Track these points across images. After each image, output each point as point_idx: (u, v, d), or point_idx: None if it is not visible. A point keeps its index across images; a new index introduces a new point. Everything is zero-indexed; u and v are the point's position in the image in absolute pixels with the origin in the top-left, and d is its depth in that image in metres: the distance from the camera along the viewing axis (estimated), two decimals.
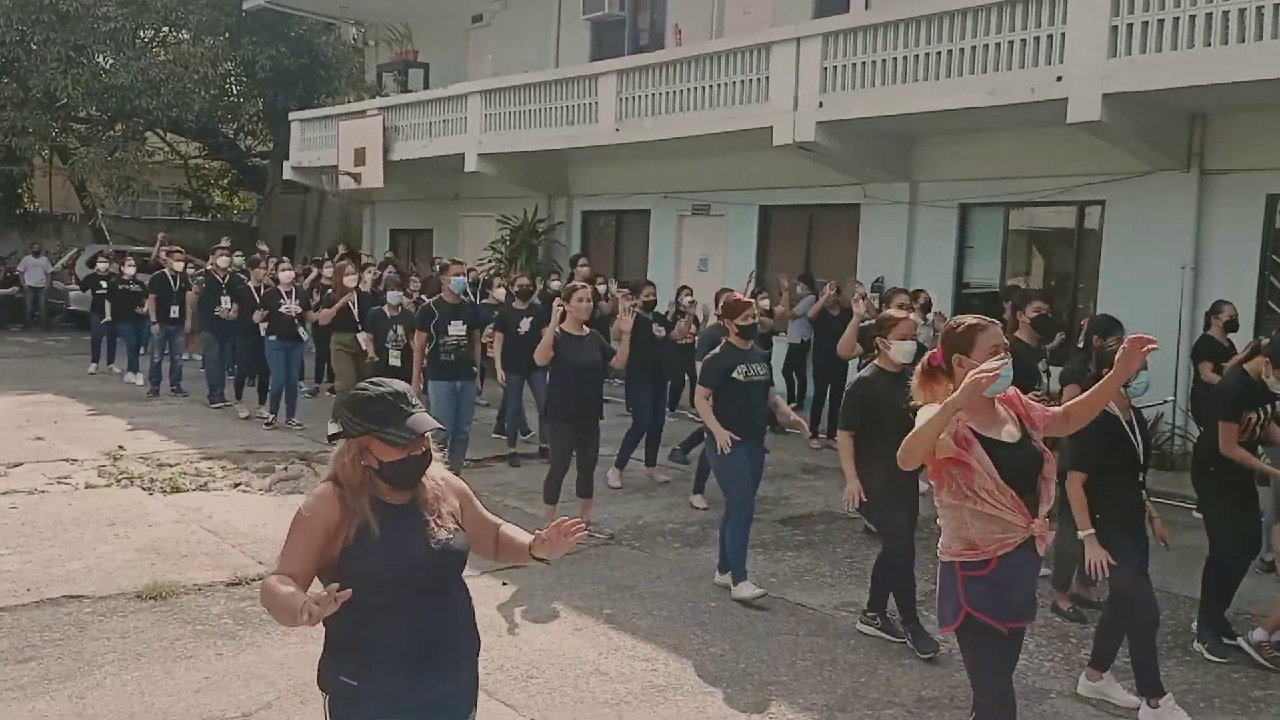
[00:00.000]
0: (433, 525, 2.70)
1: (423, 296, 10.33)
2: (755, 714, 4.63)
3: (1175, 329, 9.95)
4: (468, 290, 9.58)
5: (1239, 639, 5.35)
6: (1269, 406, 5.34)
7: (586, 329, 7.19)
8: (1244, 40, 8.56)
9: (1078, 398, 3.60)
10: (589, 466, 7.25)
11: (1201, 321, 8.96)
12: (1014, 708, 3.47)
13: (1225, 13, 8.64)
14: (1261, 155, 9.86)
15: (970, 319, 3.50)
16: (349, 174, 18.31)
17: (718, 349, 6.21)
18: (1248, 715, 4.76)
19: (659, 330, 9.66)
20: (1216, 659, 5.29)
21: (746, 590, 6.03)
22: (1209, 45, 8.76)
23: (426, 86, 19.49)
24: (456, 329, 8.44)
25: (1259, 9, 8.40)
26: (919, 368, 3.58)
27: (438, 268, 10.82)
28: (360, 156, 18.16)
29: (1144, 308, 9.98)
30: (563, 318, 6.98)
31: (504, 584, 6.22)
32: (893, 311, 5.65)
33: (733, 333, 6.17)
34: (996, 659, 3.42)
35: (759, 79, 12.35)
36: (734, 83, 12.64)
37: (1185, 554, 6.16)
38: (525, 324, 9.44)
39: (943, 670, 5.11)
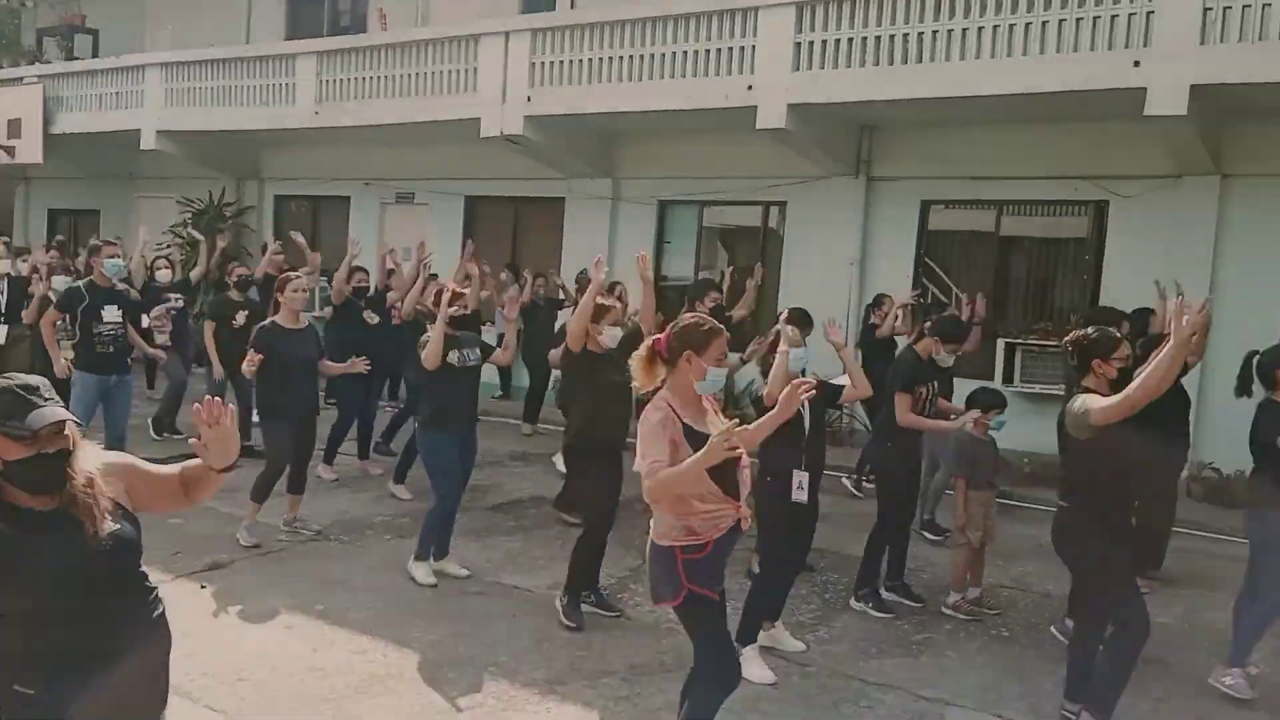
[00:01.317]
0: (91, 526, 2.47)
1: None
2: (477, 694, 4.69)
3: (845, 318, 10.99)
4: (129, 275, 8.67)
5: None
6: (935, 382, 6.06)
7: (303, 321, 6.90)
8: (907, 62, 9.62)
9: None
10: (303, 464, 6.99)
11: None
12: (738, 659, 3.91)
13: (892, 36, 9.67)
14: (918, 165, 11.11)
15: (712, 323, 3.73)
16: (1, 147, 16.40)
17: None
18: (911, 656, 5.41)
19: (371, 317, 9.36)
20: (881, 614, 5.90)
21: (420, 571, 6.15)
22: (878, 65, 9.77)
23: (95, 54, 17.80)
24: (112, 315, 7.52)
25: (920, 35, 9.48)
26: (641, 353, 3.73)
27: (89, 249, 9.72)
28: (15, 128, 16.32)
29: (819, 299, 10.92)
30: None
31: (203, 586, 5.89)
32: (603, 300, 5.88)
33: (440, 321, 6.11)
34: (717, 621, 3.71)
35: (467, 70, 12.35)
36: (442, 72, 12.56)
37: (861, 520, 6.85)
38: (241, 317, 8.91)
39: (650, 639, 5.40)
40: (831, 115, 10.71)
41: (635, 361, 3.72)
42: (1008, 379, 10.16)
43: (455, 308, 6.13)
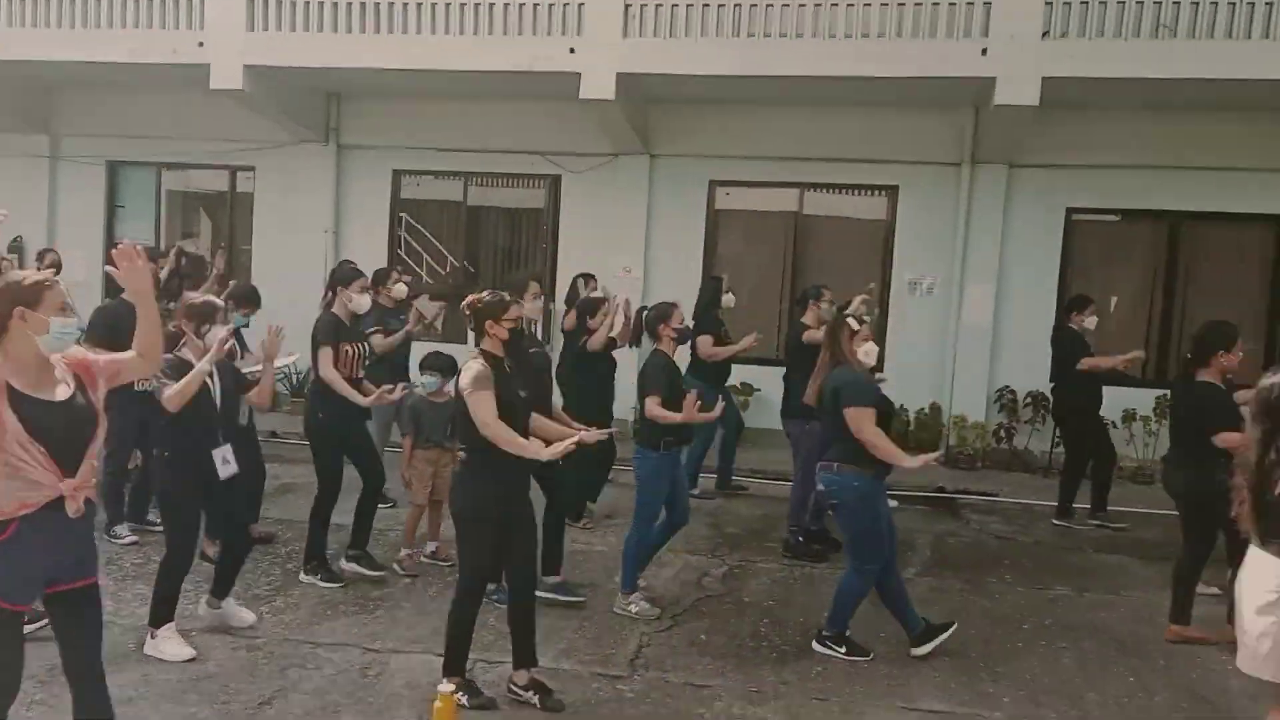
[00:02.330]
0: None
1: None
2: None
3: (320, 287, 10.87)
4: None
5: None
6: (365, 344, 6.15)
7: None
8: (365, 31, 9.68)
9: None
10: None
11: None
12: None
13: (350, 5, 9.66)
14: (389, 134, 11.26)
15: (38, 277, 3.30)
16: None
17: None
18: (366, 614, 5.59)
19: None
20: (329, 584, 5.93)
21: None
22: (337, 31, 9.71)
23: None
24: None
25: (377, 5, 9.57)
26: None
27: None
28: None
29: (295, 267, 10.77)
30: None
31: None
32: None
33: None
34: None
35: None
36: None
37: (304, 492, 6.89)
38: None
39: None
40: (294, 79, 10.47)
41: None
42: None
43: None
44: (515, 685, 4.62)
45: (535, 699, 4.55)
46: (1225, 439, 5.01)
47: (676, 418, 5.46)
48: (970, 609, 6.09)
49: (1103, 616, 6.06)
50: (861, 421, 5.05)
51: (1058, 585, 6.63)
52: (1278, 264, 10.07)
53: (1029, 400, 10.18)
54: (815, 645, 5.32)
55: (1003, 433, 10.24)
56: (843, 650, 5.25)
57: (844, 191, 10.82)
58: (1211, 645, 5.32)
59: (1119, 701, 4.84)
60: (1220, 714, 4.66)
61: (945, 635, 5.30)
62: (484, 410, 4.29)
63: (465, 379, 4.40)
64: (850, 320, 5.47)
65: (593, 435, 4.56)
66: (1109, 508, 8.22)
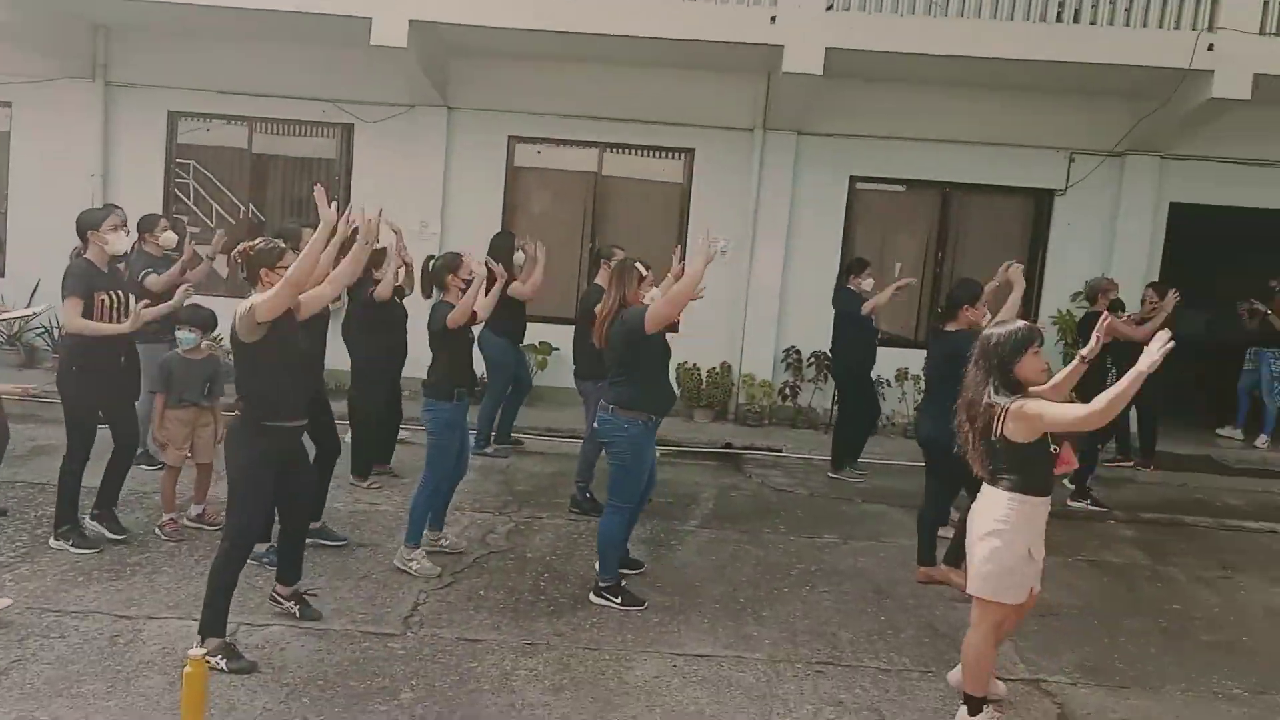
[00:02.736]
0: None
1: None
2: None
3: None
4: None
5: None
6: (120, 291, 5.73)
7: None
8: None
9: None
10: None
11: None
12: None
13: None
14: (164, 73, 10.54)
15: None
16: None
17: None
18: (122, 580, 5.29)
19: None
20: (83, 550, 5.58)
21: None
22: None
23: None
24: None
25: None
26: None
27: None
28: None
29: (56, 213, 9.93)
30: None
31: None
32: None
33: None
34: None
35: None
36: None
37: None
38: None
39: None
40: (56, 7, 9.64)
41: None
42: None
43: None
44: (279, 594, 4.92)
45: (295, 609, 4.90)
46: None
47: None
48: (744, 558, 6.36)
49: (864, 562, 6.44)
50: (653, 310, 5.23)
51: (826, 534, 7.00)
52: (1036, 232, 10.85)
53: (813, 360, 10.63)
54: (592, 597, 5.43)
55: (788, 391, 10.67)
56: (618, 601, 5.38)
57: (642, 153, 10.92)
58: (954, 585, 5.75)
59: (869, 639, 5.17)
60: (955, 645, 5.05)
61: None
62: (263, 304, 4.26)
63: (243, 305, 4.35)
64: (639, 265, 5.59)
65: None
66: (861, 459, 8.77)
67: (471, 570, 5.82)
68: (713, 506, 7.56)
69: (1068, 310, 10.45)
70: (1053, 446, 4.11)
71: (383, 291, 6.98)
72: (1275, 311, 10.42)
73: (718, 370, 10.70)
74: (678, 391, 10.47)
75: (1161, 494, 8.90)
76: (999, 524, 4.03)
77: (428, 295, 6.10)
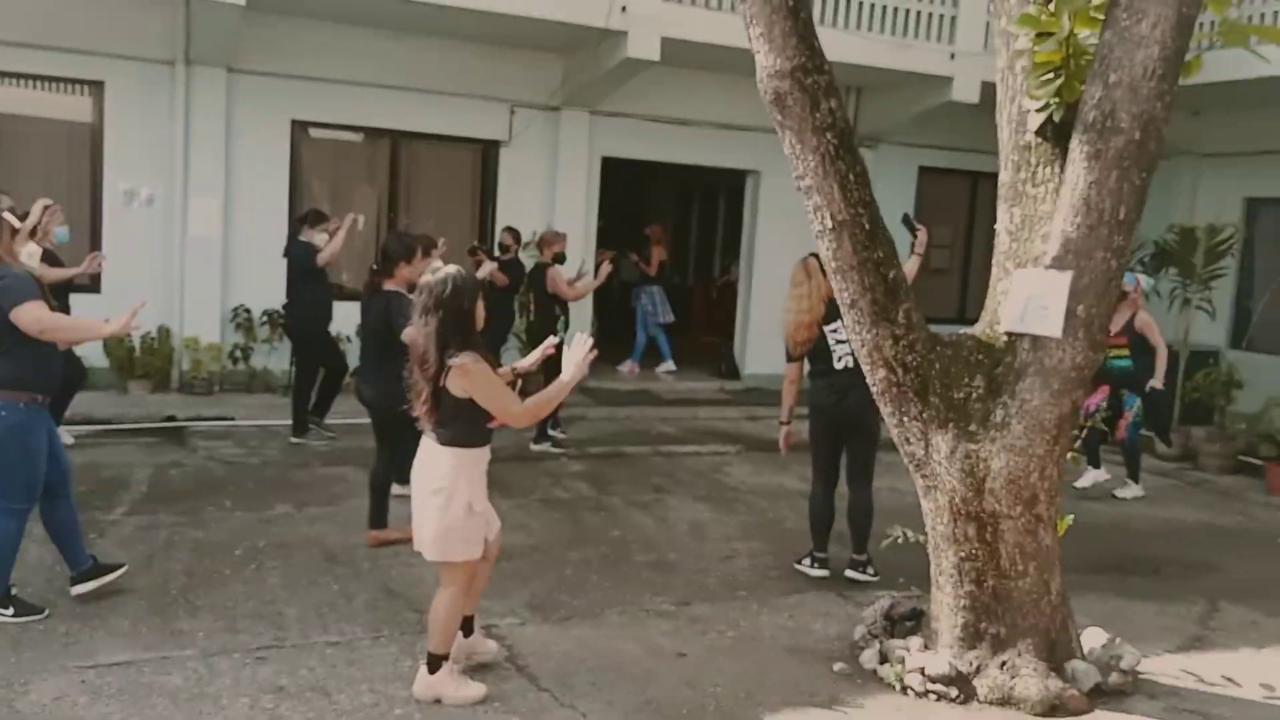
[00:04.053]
0: None
1: None
2: None
3: None
4: None
5: None
6: None
7: None
8: None
9: None
10: None
11: None
12: None
13: None
14: None
15: None
16: None
17: None
18: None
19: None
20: None
21: None
22: None
23: None
24: None
25: None
26: None
27: None
28: None
29: None
30: None
31: None
32: None
33: None
34: None
35: None
36: None
37: None
38: None
39: None
40: None
41: None
42: None
43: None
44: None
45: None
46: (406, 334, 5.24)
47: None
48: (180, 542, 5.68)
49: (319, 530, 6.07)
50: (37, 313, 4.34)
51: (279, 504, 6.52)
52: (485, 183, 11.05)
53: (265, 318, 9.90)
54: None
55: (239, 353, 9.85)
56: (10, 612, 4.49)
57: (38, 85, 9.28)
58: (408, 542, 5.61)
59: (319, 611, 4.83)
60: (412, 604, 4.91)
61: (113, 576, 4.83)
62: None
63: None
64: (7, 216, 4.68)
65: None
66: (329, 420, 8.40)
67: None
68: (146, 489, 6.69)
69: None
70: None
71: None
72: (644, 259, 12.14)
73: (154, 336, 9.54)
74: (105, 363, 9.23)
75: (608, 428, 9.61)
76: (440, 481, 3.92)
77: None
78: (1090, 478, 8.10)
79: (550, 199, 11.05)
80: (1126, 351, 7.87)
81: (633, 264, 12.47)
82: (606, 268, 9.04)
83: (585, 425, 9.57)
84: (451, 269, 4.04)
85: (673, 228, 15.26)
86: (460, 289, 3.92)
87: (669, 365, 12.35)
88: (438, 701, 4.00)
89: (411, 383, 3.99)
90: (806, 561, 5.79)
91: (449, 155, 10.97)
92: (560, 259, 8.79)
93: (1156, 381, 7.89)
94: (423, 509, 3.97)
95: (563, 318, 8.62)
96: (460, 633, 4.21)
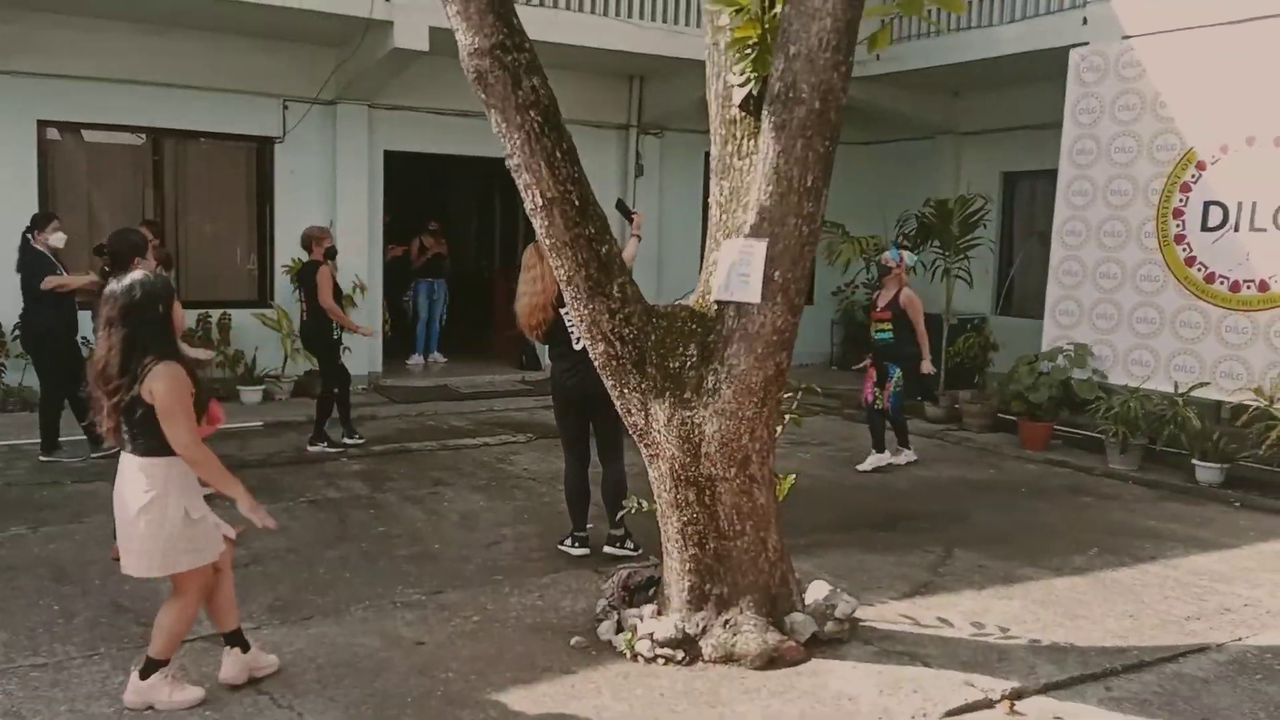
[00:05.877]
0: None
1: None
2: None
3: None
4: None
5: None
6: None
7: None
8: None
9: None
10: None
11: None
12: None
13: None
14: None
15: None
16: None
17: None
18: None
19: None
20: None
21: None
22: None
23: None
24: None
25: None
26: None
27: None
28: None
29: None
30: None
31: None
32: None
33: None
34: None
35: None
36: None
37: None
38: None
39: None
40: None
41: None
42: None
43: None
44: None
45: None
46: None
47: None
48: None
49: (53, 549, 5.72)
50: None
51: (14, 527, 6.10)
52: (261, 180, 10.65)
53: (16, 333, 9.24)
54: None
55: None
56: None
57: None
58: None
59: (31, 634, 4.54)
60: (141, 618, 4.67)
61: None
62: None
63: None
64: None
65: None
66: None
67: None
68: None
69: (297, 259, 10.47)
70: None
71: None
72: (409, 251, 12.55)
73: None
74: None
75: (397, 425, 9.43)
76: (146, 494, 3.72)
77: None
78: (872, 461, 8.33)
79: (331, 195, 10.74)
80: (889, 326, 8.23)
81: (391, 254, 12.02)
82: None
83: (374, 424, 9.35)
84: (138, 274, 3.86)
85: (476, 219, 15.13)
86: (152, 293, 3.76)
87: (419, 358, 12.60)
88: (150, 709, 3.82)
89: (91, 400, 3.79)
90: (568, 542, 5.83)
91: (220, 154, 10.55)
92: (330, 254, 8.53)
93: (926, 366, 8.29)
94: (132, 531, 3.76)
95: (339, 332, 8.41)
96: (238, 650, 4.05)
